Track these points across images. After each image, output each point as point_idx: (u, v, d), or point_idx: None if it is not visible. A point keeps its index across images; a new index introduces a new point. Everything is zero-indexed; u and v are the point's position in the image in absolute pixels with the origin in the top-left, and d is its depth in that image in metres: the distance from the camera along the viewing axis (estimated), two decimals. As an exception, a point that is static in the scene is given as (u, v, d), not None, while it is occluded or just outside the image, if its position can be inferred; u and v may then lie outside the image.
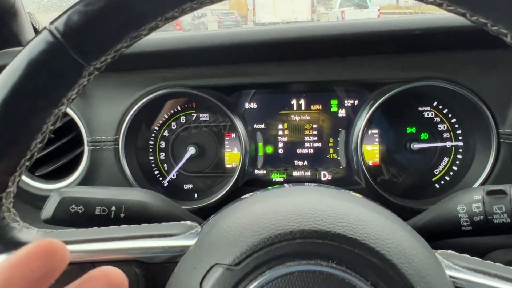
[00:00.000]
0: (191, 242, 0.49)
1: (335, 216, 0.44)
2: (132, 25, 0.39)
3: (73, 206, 0.66)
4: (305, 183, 0.85)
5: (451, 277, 0.45)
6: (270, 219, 0.44)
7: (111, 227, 0.52)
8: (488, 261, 0.47)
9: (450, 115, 1.00)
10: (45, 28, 0.39)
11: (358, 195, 0.57)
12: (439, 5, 0.38)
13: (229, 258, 0.42)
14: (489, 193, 0.67)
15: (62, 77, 0.40)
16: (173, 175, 1.08)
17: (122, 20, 0.39)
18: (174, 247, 0.49)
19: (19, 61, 0.39)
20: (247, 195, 0.56)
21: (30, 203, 1.04)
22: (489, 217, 0.66)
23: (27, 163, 0.43)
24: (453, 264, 0.46)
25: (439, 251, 0.49)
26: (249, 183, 1.05)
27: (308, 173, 1.07)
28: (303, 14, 14.92)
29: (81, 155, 1.01)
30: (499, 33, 0.38)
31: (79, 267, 0.47)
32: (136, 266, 0.49)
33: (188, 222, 0.54)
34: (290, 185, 0.61)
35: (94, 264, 0.48)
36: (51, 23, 0.39)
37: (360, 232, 0.42)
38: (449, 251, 0.50)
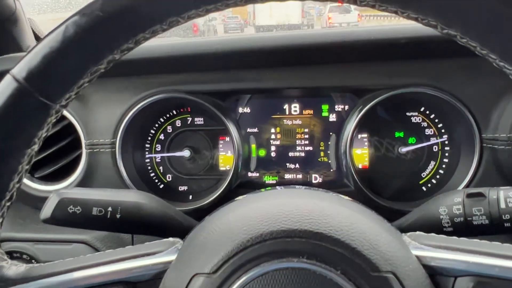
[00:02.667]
0: (173, 257, 0.51)
1: (301, 214, 0.47)
2: (90, 62, 0.42)
3: (71, 206, 0.68)
4: (283, 187, 0.88)
5: (417, 256, 0.48)
6: (242, 225, 0.47)
7: (95, 254, 0.54)
8: (454, 237, 0.50)
9: (436, 120, 1.04)
10: (8, 74, 0.41)
11: (324, 191, 0.60)
12: (415, 19, 0.41)
13: (208, 267, 0.45)
14: (469, 195, 0.70)
15: (30, 119, 0.42)
16: (169, 178, 1.10)
17: (80, 58, 0.41)
18: (157, 264, 0.51)
19: None
20: (223, 205, 0.59)
21: (29, 204, 1.07)
22: (468, 218, 0.69)
23: (8, 204, 0.45)
24: (419, 244, 0.49)
25: (408, 233, 0.52)
26: (242, 186, 1.08)
27: (300, 176, 1.10)
28: (295, 18, 17.18)
29: (79, 157, 1.04)
30: (468, 45, 0.41)
31: None
32: (123, 287, 0.51)
33: (171, 239, 0.56)
34: (265, 189, 0.63)
35: None
36: (13, 68, 0.41)
37: (325, 226, 0.46)
38: (417, 232, 0.53)
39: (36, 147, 0.44)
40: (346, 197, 0.57)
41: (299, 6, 17.47)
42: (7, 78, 0.41)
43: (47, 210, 0.69)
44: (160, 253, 0.52)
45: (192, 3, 0.41)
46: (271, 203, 0.51)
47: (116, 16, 0.40)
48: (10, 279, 0.48)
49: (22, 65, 0.41)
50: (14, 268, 0.49)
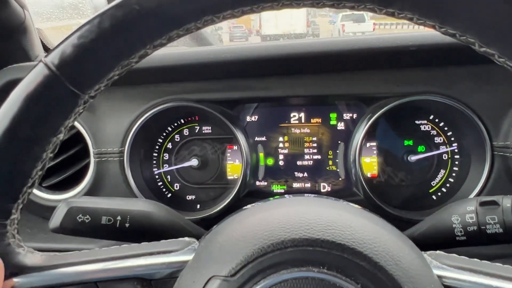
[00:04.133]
0: (189, 257, 0.51)
1: (324, 223, 0.46)
2: (123, 55, 0.42)
3: (80, 215, 0.68)
4: (304, 194, 0.87)
5: (438, 276, 0.47)
6: (263, 230, 0.46)
7: (112, 247, 0.54)
8: (475, 259, 0.49)
9: (446, 128, 1.03)
10: (40, 61, 0.42)
11: (348, 203, 0.59)
12: (453, 36, 0.41)
13: (226, 270, 0.44)
14: (482, 204, 0.69)
15: (59, 107, 0.42)
16: (177, 187, 1.10)
17: (113, 50, 0.42)
18: (173, 263, 0.51)
19: (17, 93, 0.42)
20: (243, 208, 0.58)
21: (37, 213, 1.06)
22: (482, 227, 0.68)
23: (29, 190, 0.45)
24: (441, 264, 0.48)
25: (428, 252, 0.51)
26: (250, 195, 1.08)
27: (308, 185, 1.09)
28: (300, 27, 17.03)
29: (87, 166, 1.04)
30: (486, 53, 0.40)
31: (83, 287, 0.49)
32: (137, 283, 0.50)
33: (186, 238, 0.56)
34: (286, 196, 0.63)
35: (96, 283, 0.50)
36: (46, 56, 0.42)
37: (348, 238, 0.45)
38: (438, 251, 0.52)
39: (61, 136, 0.44)
40: (368, 210, 0.56)
41: (304, 16, 17.80)
42: (39, 65, 0.42)
43: (56, 219, 0.69)
44: (176, 252, 0.52)
45: (230, 3, 0.41)
46: (294, 210, 0.51)
47: (153, 11, 0.40)
48: (26, 266, 0.48)
49: (55, 54, 0.41)
50: (30, 256, 0.49)
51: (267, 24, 17.79)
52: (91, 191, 1.03)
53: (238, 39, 18.02)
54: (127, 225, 0.70)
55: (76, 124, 1.03)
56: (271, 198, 0.64)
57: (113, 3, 0.40)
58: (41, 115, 0.42)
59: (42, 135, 0.43)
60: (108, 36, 0.41)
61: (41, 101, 0.42)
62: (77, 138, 1.04)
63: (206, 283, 0.45)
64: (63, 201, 0.70)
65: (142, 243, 0.57)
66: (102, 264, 0.51)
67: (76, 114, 0.44)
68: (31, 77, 0.42)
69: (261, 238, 0.45)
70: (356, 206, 0.58)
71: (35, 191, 1.05)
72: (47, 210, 1.00)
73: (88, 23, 0.41)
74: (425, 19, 0.39)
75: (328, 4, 0.41)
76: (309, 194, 0.86)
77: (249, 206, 0.59)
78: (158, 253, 0.52)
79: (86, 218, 0.68)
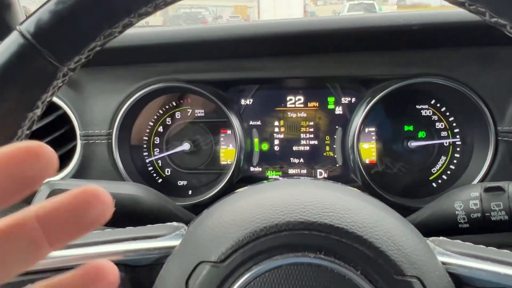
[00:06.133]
0: (176, 242, 0.48)
1: (321, 206, 0.43)
2: (105, 23, 0.38)
3: None
4: (300, 178, 0.84)
5: (443, 263, 0.44)
6: (255, 213, 0.43)
7: (93, 232, 0.51)
8: (481, 246, 0.47)
9: (448, 114, 0.99)
10: (15, 29, 0.38)
11: (347, 186, 0.56)
12: (462, 5, 0.37)
13: (215, 255, 0.42)
14: (487, 190, 0.66)
15: (35, 79, 0.38)
16: (168, 172, 1.06)
17: (95, 18, 0.38)
18: (160, 248, 0.48)
19: None
20: (234, 192, 0.55)
21: None
22: (486, 214, 0.65)
23: None
24: (444, 250, 0.46)
25: (431, 238, 0.49)
26: (244, 180, 1.04)
27: (304, 171, 1.05)
28: (298, 13, 18.02)
29: (74, 149, 1.00)
30: (497, 24, 0.37)
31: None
32: (121, 270, 0.48)
33: (174, 223, 0.53)
34: (281, 179, 0.60)
35: None
36: (21, 23, 0.37)
37: (347, 221, 0.41)
38: (441, 237, 0.49)
39: (39, 112, 0.40)
40: (367, 193, 0.53)
41: (301, 7, 18.16)
42: (14, 34, 0.37)
43: (37, 203, 0.65)
44: (162, 237, 0.49)
45: None
46: (288, 193, 0.47)
47: None
48: None
49: (31, 21, 0.37)
50: None
51: (266, 14, 18.25)
52: (78, 175, 0.99)
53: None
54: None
55: (62, 104, 0.98)
56: (265, 181, 0.60)
57: None
58: (16, 87, 0.38)
59: (17, 110, 0.39)
60: (89, 2, 0.37)
61: (16, 72, 0.37)
62: (63, 119, 0.99)
63: (193, 270, 0.42)
64: (45, 183, 0.67)
65: (127, 227, 0.54)
66: (81, 249, 0.48)
67: (55, 88, 0.40)
68: (4, 46, 0.37)
69: (253, 221, 0.42)
70: (355, 189, 0.54)
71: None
72: (31, 194, 0.96)
73: None
74: None
75: None
76: (306, 178, 0.83)
77: (241, 189, 0.56)
78: (143, 238, 0.50)
79: (69, 202, 0.65)
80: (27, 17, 0.38)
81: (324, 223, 0.41)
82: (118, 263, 0.47)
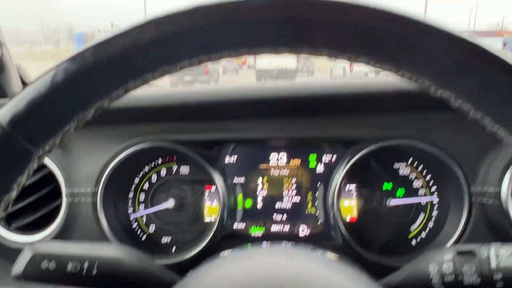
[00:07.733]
0: None
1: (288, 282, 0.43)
2: (78, 107, 0.40)
3: (45, 262, 0.65)
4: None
5: None
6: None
7: None
8: None
9: (425, 172, 1.03)
10: None
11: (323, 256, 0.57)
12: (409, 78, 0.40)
13: None
14: (460, 253, 0.68)
15: (10, 162, 0.40)
16: (152, 228, 1.07)
17: (68, 103, 0.40)
18: None
19: None
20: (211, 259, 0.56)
21: (5, 256, 1.02)
22: (459, 278, 0.66)
23: None
24: None
25: None
26: (227, 237, 1.05)
27: (287, 228, 1.07)
28: (290, 63, 18.94)
29: (59, 207, 1.01)
30: (443, 97, 0.40)
31: None
32: None
33: None
34: (263, 244, 0.61)
35: None
36: None
37: None
38: None
39: (14, 194, 0.41)
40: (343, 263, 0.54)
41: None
42: None
43: (19, 266, 0.66)
44: None
45: (187, 54, 0.40)
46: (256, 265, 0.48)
47: (107, 63, 0.39)
48: None
49: (6, 109, 0.39)
50: None
51: (261, 61, 18.87)
52: (62, 234, 0.99)
53: (229, 72, 20.81)
54: (94, 271, 0.67)
55: (49, 163, 1.00)
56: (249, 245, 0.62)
57: (67, 57, 0.39)
58: None
59: None
60: (62, 88, 0.39)
61: None
62: (49, 178, 1.01)
63: None
64: (28, 245, 0.68)
65: None
66: None
67: (29, 170, 0.41)
68: None
69: None
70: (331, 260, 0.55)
71: (3, 232, 1.01)
72: (16, 253, 0.95)
73: (41, 77, 0.39)
74: (381, 63, 0.39)
75: (286, 50, 0.40)
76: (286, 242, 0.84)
77: (221, 254, 0.57)
78: None
79: (51, 265, 0.65)
80: (3, 106, 0.40)
81: None
82: None
